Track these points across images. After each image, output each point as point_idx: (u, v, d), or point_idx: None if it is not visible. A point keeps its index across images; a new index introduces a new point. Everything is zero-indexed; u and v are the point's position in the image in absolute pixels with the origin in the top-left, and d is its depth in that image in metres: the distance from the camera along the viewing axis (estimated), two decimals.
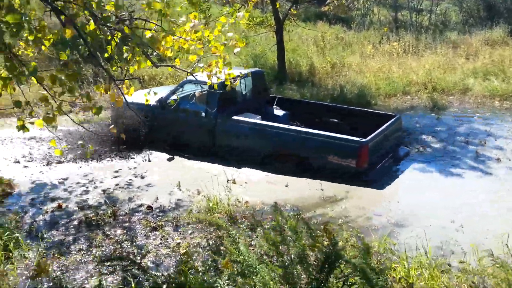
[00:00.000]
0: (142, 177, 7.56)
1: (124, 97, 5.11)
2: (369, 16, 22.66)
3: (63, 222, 6.09)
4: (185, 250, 5.14)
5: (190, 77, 8.61)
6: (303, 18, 22.68)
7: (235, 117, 8.10)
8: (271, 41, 15.23)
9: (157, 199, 6.68)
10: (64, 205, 6.54)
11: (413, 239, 5.08)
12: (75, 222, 6.06)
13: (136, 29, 4.74)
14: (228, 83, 5.72)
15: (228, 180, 7.15)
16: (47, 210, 6.40)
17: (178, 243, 5.35)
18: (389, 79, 12.84)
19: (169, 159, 8.32)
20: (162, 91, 8.74)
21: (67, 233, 5.80)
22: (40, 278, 4.53)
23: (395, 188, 7.15)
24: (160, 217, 6.10)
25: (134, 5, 5.03)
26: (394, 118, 8.17)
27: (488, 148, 8.55)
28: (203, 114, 8.20)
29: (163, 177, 7.53)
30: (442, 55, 14.88)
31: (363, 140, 7.06)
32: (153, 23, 4.76)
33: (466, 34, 17.82)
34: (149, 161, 8.29)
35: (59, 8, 3.32)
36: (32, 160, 8.20)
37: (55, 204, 6.55)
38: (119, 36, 4.89)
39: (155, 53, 5.42)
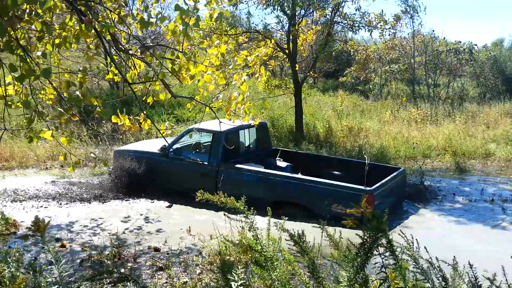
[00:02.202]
0: (151, 223, 7.28)
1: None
2: (387, 87, 22.99)
3: (64, 260, 5.74)
4: None
5: (195, 126, 8.76)
6: (321, 90, 23.16)
7: (238, 165, 8.08)
8: (289, 104, 15.36)
9: (166, 242, 6.34)
10: (68, 245, 6.24)
11: None
12: (78, 261, 5.73)
13: (158, 57, 4.70)
14: (246, 119, 5.58)
15: (243, 227, 6.79)
16: (50, 249, 6.09)
17: (185, 282, 4.95)
18: (408, 142, 12.66)
19: (168, 206, 8.13)
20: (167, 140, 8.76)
21: (66, 270, 5.43)
22: None
23: (421, 237, 6.72)
24: (167, 258, 5.73)
25: (157, 33, 5.10)
26: (399, 171, 8.12)
27: None
28: (206, 162, 8.21)
29: (172, 223, 7.25)
30: (461, 124, 14.76)
31: (368, 188, 6.95)
32: (175, 49, 4.72)
33: (485, 105, 17.80)
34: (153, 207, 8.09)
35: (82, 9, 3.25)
36: (43, 203, 8.06)
37: (58, 244, 6.27)
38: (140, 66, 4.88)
39: (176, 83, 5.39)
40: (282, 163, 8.98)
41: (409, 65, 21.71)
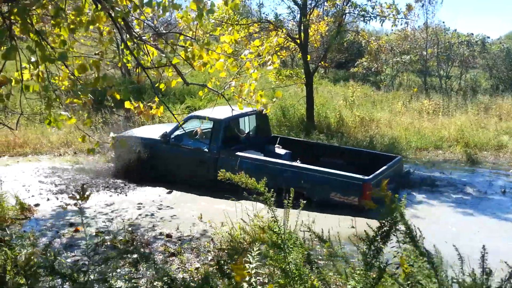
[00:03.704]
0: (164, 209, 7.37)
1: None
2: (399, 78, 22.85)
3: (79, 245, 5.86)
4: (203, 276, 4.78)
5: (195, 113, 8.82)
6: (333, 80, 23.09)
7: (238, 153, 8.13)
8: (300, 95, 15.35)
9: (178, 228, 6.42)
10: (82, 230, 6.34)
11: None
12: (92, 246, 5.82)
13: (172, 45, 4.73)
14: (257, 107, 5.60)
15: (255, 215, 6.85)
16: (64, 234, 6.21)
17: (197, 268, 5.02)
18: (420, 133, 12.60)
19: (168, 193, 8.22)
20: (168, 127, 8.98)
21: (82, 254, 5.54)
22: None
23: (435, 229, 6.71)
24: (179, 245, 5.81)
25: (169, 22, 5.13)
26: (396, 159, 8.20)
27: None
28: (206, 149, 8.26)
29: (184, 210, 7.32)
30: (473, 115, 14.65)
31: (366, 178, 7.03)
32: (188, 37, 4.74)
33: (498, 97, 17.64)
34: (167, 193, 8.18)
35: None
36: (57, 189, 8.16)
37: (72, 229, 6.38)
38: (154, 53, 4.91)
39: (188, 71, 5.42)
40: (281, 151, 9.07)
41: (420, 56, 21.55)
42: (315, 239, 3.49)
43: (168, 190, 8.28)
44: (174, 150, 8.59)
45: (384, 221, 2.56)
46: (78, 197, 2.98)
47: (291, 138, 10.29)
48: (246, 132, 9.39)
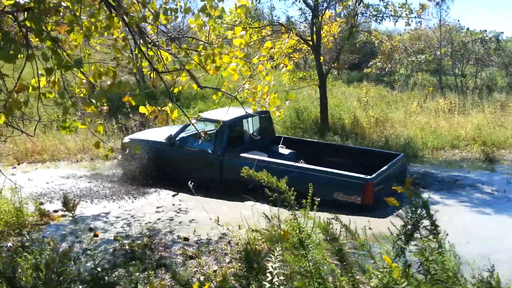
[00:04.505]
0: (181, 213, 7.41)
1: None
2: (413, 78, 22.65)
3: (98, 249, 5.91)
4: (221, 278, 4.80)
5: (204, 114, 8.87)
6: (346, 81, 23.00)
7: (242, 155, 8.17)
8: (313, 96, 15.33)
9: (195, 231, 6.45)
10: (101, 235, 6.41)
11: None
12: (110, 250, 5.88)
13: (185, 49, 4.78)
14: (271, 108, 5.61)
15: (271, 217, 6.85)
16: (83, 239, 6.28)
17: (215, 271, 5.04)
18: (436, 133, 12.48)
19: (174, 195, 8.24)
20: (173, 129, 9.05)
21: (101, 259, 5.59)
22: None
23: (451, 229, 6.65)
24: (197, 248, 5.84)
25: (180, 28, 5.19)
26: (398, 157, 8.23)
27: None
28: (210, 151, 8.30)
29: (201, 213, 7.33)
30: (490, 113, 14.47)
31: (369, 177, 7.08)
32: (201, 40, 4.78)
33: None
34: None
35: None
36: (75, 195, 8.24)
37: (92, 234, 6.45)
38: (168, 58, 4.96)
39: (201, 75, 5.46)
40: (285, 151, 9.13)
41: (435, 56, 21.35)
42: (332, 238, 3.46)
43: (174, 193, 8.32)
44: (179, 152, 8.64)
45: (408, 219, 2.53)
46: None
47: (295, 138, 10.38)
48: (251, 133, 9.44)
